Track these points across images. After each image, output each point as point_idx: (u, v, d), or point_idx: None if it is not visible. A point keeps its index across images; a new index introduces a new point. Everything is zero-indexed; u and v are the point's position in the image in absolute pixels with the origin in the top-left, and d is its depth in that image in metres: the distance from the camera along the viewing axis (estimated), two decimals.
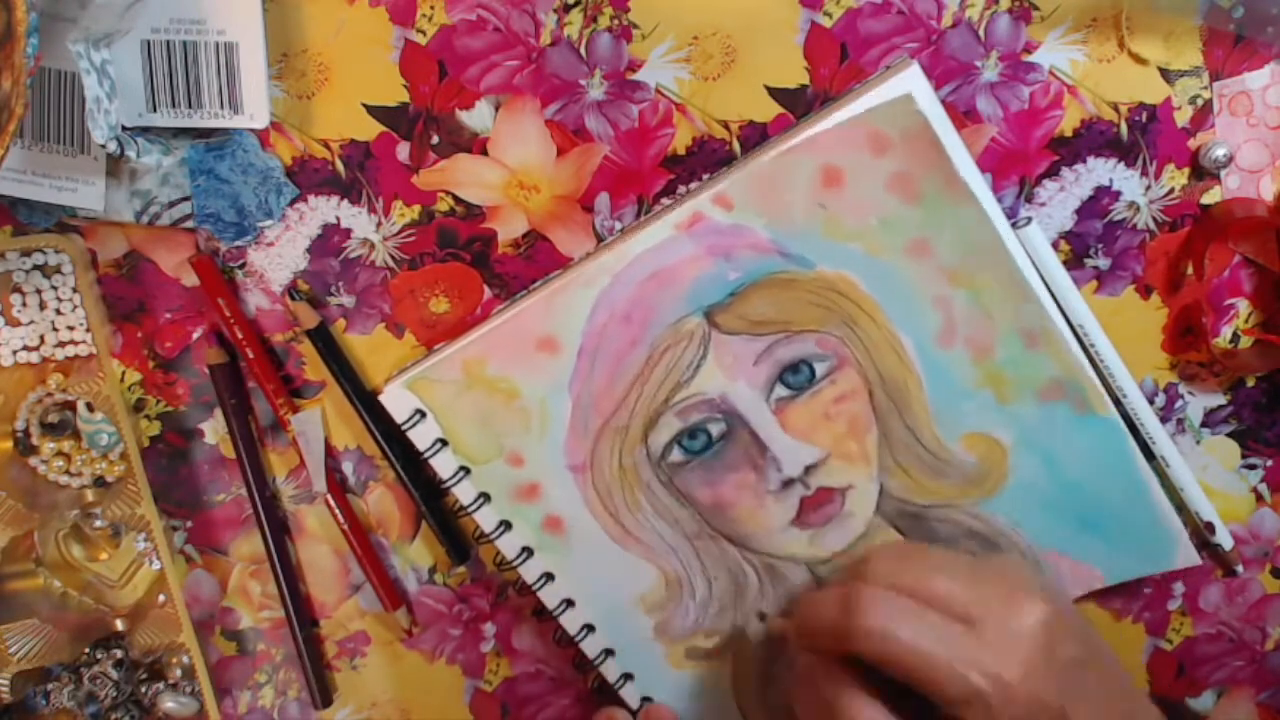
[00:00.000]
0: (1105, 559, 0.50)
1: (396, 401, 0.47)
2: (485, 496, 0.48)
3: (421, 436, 0.47)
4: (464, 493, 0.48)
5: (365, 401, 0.49)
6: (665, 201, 0.47)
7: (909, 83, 0.43)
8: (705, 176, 0.47)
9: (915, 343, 0.46)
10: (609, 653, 0.50)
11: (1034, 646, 0.39)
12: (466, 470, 0.47)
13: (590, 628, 0.50)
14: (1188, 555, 0.49)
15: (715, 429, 0.47)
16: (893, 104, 0.43)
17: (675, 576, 0.49)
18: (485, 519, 0.48)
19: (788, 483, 0.48)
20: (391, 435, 0.48)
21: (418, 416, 0.46)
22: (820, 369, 0.47)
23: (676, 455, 0.47)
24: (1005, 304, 0.46)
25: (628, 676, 0.51)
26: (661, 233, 0.45)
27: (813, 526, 0.48)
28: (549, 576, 0.49)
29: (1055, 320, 0.46)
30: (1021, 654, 0.39)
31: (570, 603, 0.49)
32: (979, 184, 0.44)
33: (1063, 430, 0.47)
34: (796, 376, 0.47)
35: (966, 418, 0.47)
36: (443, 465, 0.47)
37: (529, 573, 0.49)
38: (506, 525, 0.48)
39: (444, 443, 0.47)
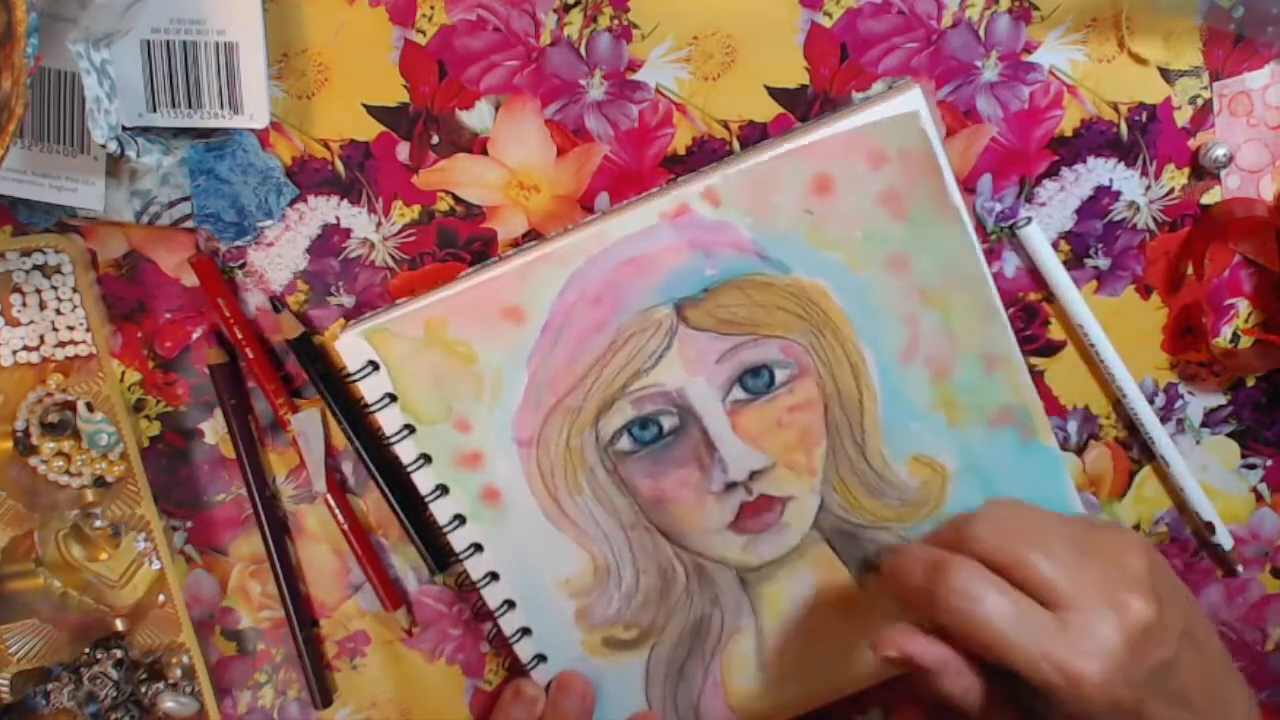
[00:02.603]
0: None
1: (351, 350, 0.46)
2: (426, 458, 0.47)
3: (371, 388, 0.46)
4: (405, 451, 0.47)
5: (349, 411, 0.48)
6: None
7: (911, 104, 0.43)
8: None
9: (877, 359, 0.46)
10: (525, 631, 0.50)
11: (1122, 649, 0.38)
12: (411, 429, 0.47)
13: (511, 604, 0.49)
14: None
15: (667, 422, 0.47)
16: (897, 120, 0.43)
17: (604, 564, 0.49)
18: (423, 480, 0.47)
19: (731, 486, 0.48)
20: (374, 445, 0.48)
21: (370, 368, 0.46)
22: (780, 376, 0.47)
23: (625, 443, 0.47)
24: (972, 327, 0.46)
25: (541, 658, 0.50)
26: (645, 219, 0.44)
27: (749, 532, 0.48)
28: (478, 547, 0.48)
29: (1014, 345, 0.46)
30: (1105, 655, 0.37)
31: (495, 576, 0.49)
32: (962, 205, 0.44)
33: (1006, 456, 0.48)
34: (756, 380, 0.47)
35: (915, 439, 0.47)
36: (388, 420, 0.46)
37: (458, 540, 0.48)
38: (443, 489, 0.48)
39: (393, 398, 0.46)
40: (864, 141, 0.43)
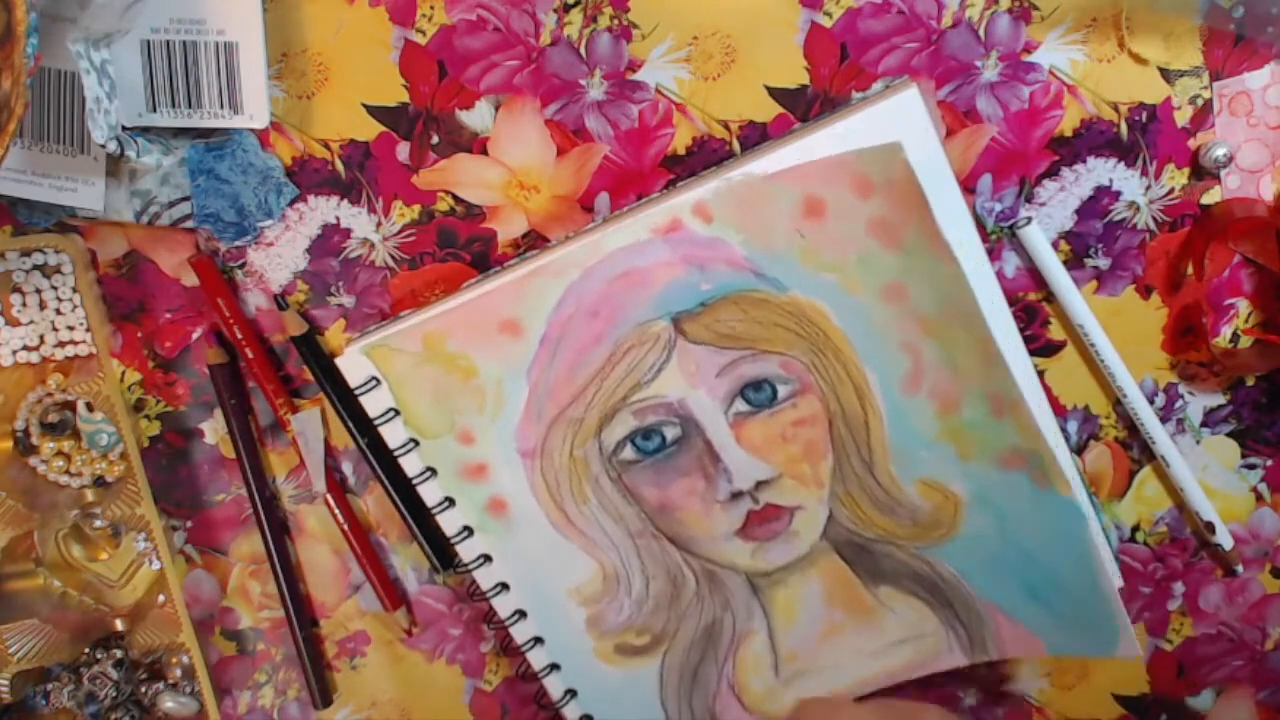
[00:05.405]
0: (1048, 630, 0.49)
1: (352, 366, 0.46)
2: (432, 471, 0.47)
3: (374, 403, 0.46)
4: (411, 465, 0.47)
5: (352, 410, 0.48)
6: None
7: (907, 105, 0.43)
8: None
9: (881, 381, 0.46)
10: (538, 641, 0.50)
11: None
12: (416, 442, 0.47)
13: (522, 613, 0.50)
14: (1129, 647, 0.48)
15: (670, 432, 0.47)
16: (880, 150, 0.42)
17: (613, 571, 0.49)
18: (429, 493, 0.48)
19: (737, 495, 0.48)
20: (377, 444, 0.48)
21: (372, 383, 0.46)
22: (783, 391, 0.47)
23: (628, 453, 0.47)
24: (974, 365, 0.45)
25: (554, 666, 0.50)
26: (638, 233, 0.44)
27: (757, 540, 0.48)
28: (486, 558, 0.49)
29: (1023, 391, 0.45)
30: None
31: (505, 586, 0.49)
32: (968, 235, 0.44)
33: (1020, 499, 0.47)
34: (758, 394, 0.47)
35: (923, 465, 0.47)
36: (392, 435, 0.47)
37: (467, 552, 0.48)
38: (450, 502, 0.48)
39: (396, 412, 0.47)
40: (849, 169, 0.43)
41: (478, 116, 0.47)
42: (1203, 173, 0.47)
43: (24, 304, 0.48)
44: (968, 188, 0.47)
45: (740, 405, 0.47)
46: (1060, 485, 0.46)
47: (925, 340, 0.45)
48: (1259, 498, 0.52)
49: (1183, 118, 0.47)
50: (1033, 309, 0.49)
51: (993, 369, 0.45)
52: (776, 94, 0.46)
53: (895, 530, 0.48)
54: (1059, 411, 0.50)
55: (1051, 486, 0.46)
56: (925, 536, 0.48)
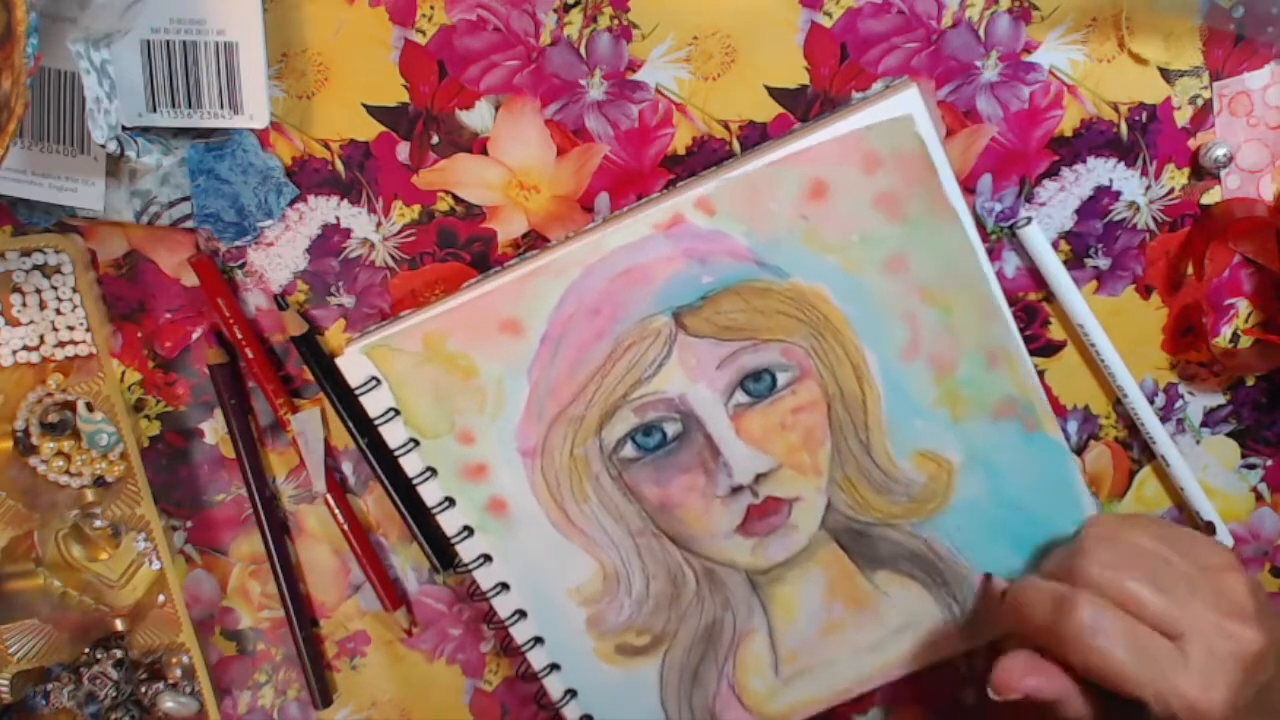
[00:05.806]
0: None
1: (352, 366, 0.46)
2: (432, 471, 0.47)
3: (374, 403, 0.47)
4: (411, 465, 0.47)
5: (352, 410, 0.48)
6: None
7: (907, 105, 0.43)
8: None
9: (879, 358, 0.47)
10: (538, 640, 0.50)
11: (1239, 680, 0.40)
12: (416, 442, 0.47)
13: (522, 613, 0.50)
14: None
15: (671, 428, 0.47)
16: (891, 124, 0.43)
17: (613, 571, 0.49)
18: (429, 493, 0.48)
19: (737, 489, 0.48)
20: (377, 444, 0.48)
21: (372, 383, 0.46)
22: (782, 379, 0.47)
23: (629, 450, 0.47)
24: (973, 324, 0.46)
25: (554, 666, 0.50)
26: (639, 230, 0.45)
27: (756, 535, 0.48)
28: (487, 558, 0.49)
29: (1017, 340, 0.47)
30: (1226, 687, 0.39)
31: (505, 586, 0.49)
32: (962, 205, 0.45)
33: (1010, 448, 0.48)
34: (758, 384, 0.47)
35: (920, 436, 0.48)
36: (392, 434, 0.47)
37: (467, 552, 0.49)
38: (450, 502, 0.48)
39: (396, 412, 0.47)
40: (858, 146, 0.43)
41: (478, 116, 0.47)
42: (1203, 173, 0.47)
43: (24, 304, 0.48)
44: (968, 188, 0.47)
45: (740, 397, 0.47)
46: (1048, 426, 0.47)
47: (924, 308, 0.46)
48: (1259, 498, 0.52)
49: (1183, 118, 0.47)
50: (1033, 309, 0.49)
51: (991, 323, 0.46)
52: (776, 94, 0.46)
53: (892, 509, 0.49)
54: (1059, 411, 0.50)
55: (1040, 428, 0.47)
56: (920, 511, 0.49)
